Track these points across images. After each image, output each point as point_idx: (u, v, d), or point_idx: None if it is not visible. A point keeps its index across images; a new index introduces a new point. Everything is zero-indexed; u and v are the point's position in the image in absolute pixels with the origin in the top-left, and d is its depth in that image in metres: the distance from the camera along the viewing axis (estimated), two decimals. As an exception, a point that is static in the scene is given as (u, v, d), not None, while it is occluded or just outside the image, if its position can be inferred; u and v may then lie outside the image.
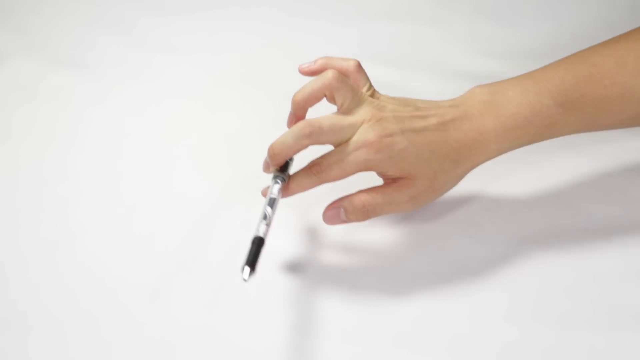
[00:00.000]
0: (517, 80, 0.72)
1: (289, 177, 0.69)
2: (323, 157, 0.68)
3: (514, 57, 0.99)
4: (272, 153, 0.69)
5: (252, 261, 0.62)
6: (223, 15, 1.09)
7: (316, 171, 0.68)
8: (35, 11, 1.10)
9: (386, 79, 0.96)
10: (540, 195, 0.78)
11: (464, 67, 0.98)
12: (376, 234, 0.74)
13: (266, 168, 0.71)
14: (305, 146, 0.68)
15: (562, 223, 0.75)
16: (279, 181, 0.69)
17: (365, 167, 0.68)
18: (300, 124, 0.68)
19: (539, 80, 0.72)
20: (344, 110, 0.69)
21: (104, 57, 1.01)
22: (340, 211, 0.69)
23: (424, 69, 0.98)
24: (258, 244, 0.63)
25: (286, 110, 0.93)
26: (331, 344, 0.65)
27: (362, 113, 0.69)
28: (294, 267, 0.71)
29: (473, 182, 0.79)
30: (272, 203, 0.67)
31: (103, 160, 0.84)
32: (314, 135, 0.67)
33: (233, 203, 0.78)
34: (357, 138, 0.67)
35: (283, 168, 0.70)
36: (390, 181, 0.70)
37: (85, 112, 0.92)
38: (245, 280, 0.61)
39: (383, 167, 0.68)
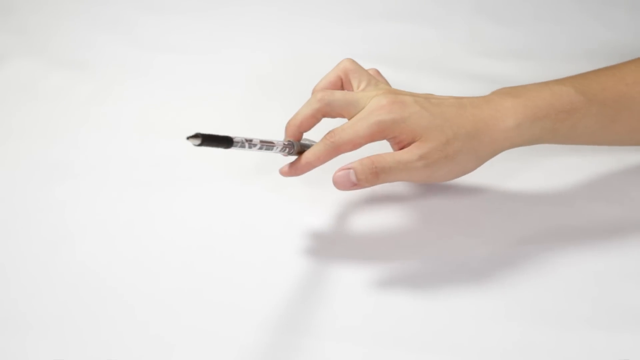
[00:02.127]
0: (537, 82, 0.73)
1: (304, 151, 0.70)
2: (337, 127, 0.69)
3: (514, 57, 0.99)
4: (288, 125, 0.71)
5: (208, 137, 0.61)
6: (223, 15, 1.09)
7: (330, 136, 0.68)
8: (35, 11, 1.10)
9: (386, 79, 0.96)
10: (540, 195, 0.78)
11: (464, 67, 0.98)
12: (376, 234, 0.74)
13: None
14: (319, 114, 0.69)
15: (562, 223, 0.75)
16: (287, 142, 0.70)
17: (378, 129, 0.67)
18: (315, 92, 0.70)
19: (560, 79, 0.73)
20: (359, 90, 0.70)
21: (104, 57, 1.01)
22: (349, 172, 0.68)
23: (424, 69, 0.98)
24: (227, 140, 0.64)
25: (287, 108, 0.94)
26: (331, 344, 0.65)
27: (377, 90, 0.70)
28: (295, 268, 0.71)
29: (473, 182, 0.79)
30: (268, 143, 0.68)
31: (103, 159, 0.84)
32: (326, 99, 0.69)
33: (234, 203, 0.78)
34: (370, 104, 0.68)
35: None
36: (402, 148, 0.69)
37: (85, 112, 0.92)
38: (187, 138, 0.60)
39: (395, 129, 0.67)
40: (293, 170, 0.70)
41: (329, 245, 0.73)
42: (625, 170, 0.81)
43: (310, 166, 0.69)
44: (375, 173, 0.68)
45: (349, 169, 0.68)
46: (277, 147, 0.69)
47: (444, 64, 0.99)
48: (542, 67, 0.98)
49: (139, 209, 0.78)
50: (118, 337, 0.65)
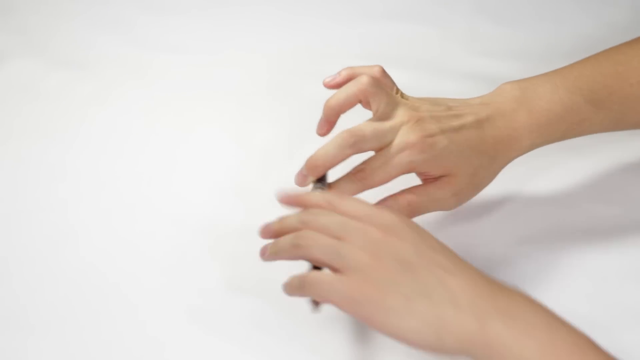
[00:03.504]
0: (546, 77, 0.73)
1: (329, 185, 0.68)
2: (366, 162, 0.68)
3: (514, 57, 0.99)
4: (313, 165, 0.68)
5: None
6: (223, 15, 1.09)
7: (361, 177, 0.67)
8: (35, 11, 1.10)
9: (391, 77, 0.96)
10: (540, 195, 0.78)
11: (464, 67, 0.98)
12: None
13: (302, 180, 0.69)
14: (349, 156, 0.67)
15: (562, 223, 0.75)
16: (319, 191, 0.67)
17: (409, 168, 0.68)
18: (343, 134, 0.67)
19: (568, 77, 0.73)
20: (380, 115, 0.68)
21: (104, 57, 1.01)
22: None
23: (423, 68, 0.98)
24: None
25: (287, 108, 0.94)
26: (332, 344, 0.65)
27: (400, 115, 0.68)
28: (295, 269, 0.71)
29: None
30: None
31: (103, 159, 0.84)
32: (358, 144, 0.67)
33: (235, 203, 0.78)
34: (399, 141, 0.67)
35: (321, 178, 0.69)
36: (431, 180, 0.70)
37: (85, 112, 0.92)
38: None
39: (426, 167, 0.68)
40: (325, 200, 0.66)
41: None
42: (625, 170, 0.81)
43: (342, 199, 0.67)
44: (411, 211, 0.69)
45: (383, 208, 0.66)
46: None
47: (443, 63, 0.99)
48: (542, 67, 0.97)
49: (140, 209, 0.78)
50: (119, 336, 0.65)
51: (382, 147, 0.67)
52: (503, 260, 0.71)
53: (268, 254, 0.64)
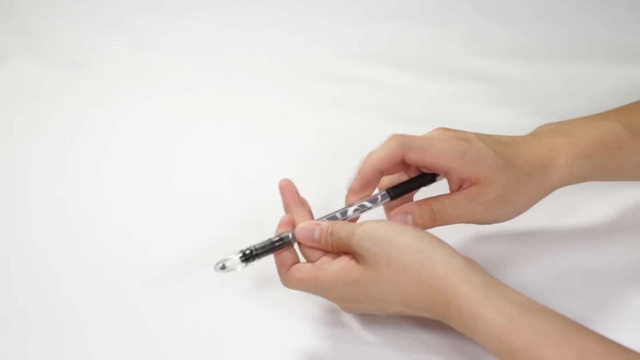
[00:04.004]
0: (582, 117, 0.72)
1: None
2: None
3: (514, 57, 0.99)
4: (367, 167, 0.66)
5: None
6: (223, 15, 1.09)
7: (400, 138, 0.65)
8: (35, 11, 1.10)
9: (386, 79, 0.96)
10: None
11: (464, 67, 0.98)
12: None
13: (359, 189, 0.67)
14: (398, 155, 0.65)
15: (562, 223, 0.75)
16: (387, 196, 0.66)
17: (448, 157, 0.65)
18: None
19: (604, 113, 0.72)
20: None
21: (104, 57, 1.01)
22: (407, 216, 0.66)
23: (424, 69, 0.98)
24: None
25: (287, 109, 0.94)
26: (333, 344, 0.65)
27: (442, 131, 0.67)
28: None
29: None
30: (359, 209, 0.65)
31: (103, 159, 0.84)
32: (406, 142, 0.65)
33: (234, 202, 0.78)
34: (435, 134, 0.66)
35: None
36: (458, 187, 0.67)
37: (85, 112, 0.92)
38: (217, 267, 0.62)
39: (462, 165, 0.65)
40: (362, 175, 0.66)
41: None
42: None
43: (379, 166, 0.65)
44: (433, 220, 0.66)
45: (407, 212, 0.66)
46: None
47: (443, 63, 0.99)
48: (542, 67, 0.98)
49: (140, 209, 0.78)
50: (120, 335, 0.65)
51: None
52: (503, 260, 0.71)
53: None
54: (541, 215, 0.76)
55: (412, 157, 0.65)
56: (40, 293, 0.69)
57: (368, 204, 0.66)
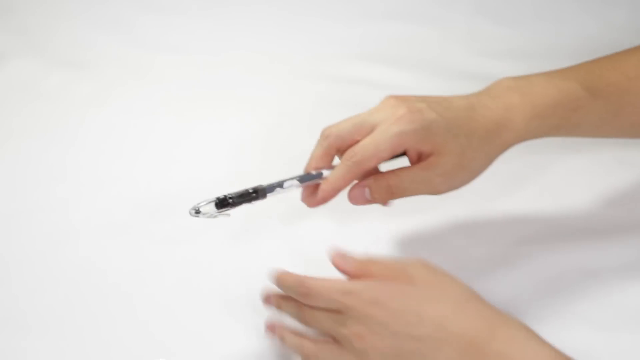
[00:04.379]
0: (542, 72, 0.72)
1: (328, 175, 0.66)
2: (357, 144, 0.65)
3: (514, 57, 0.99)
4: (305, 170, 0.67)
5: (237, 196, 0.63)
6: (223, 15, 1.09)
7: (349, 156, 0.64)
8: (35, 11, 1.10)
9: (386, 79, 0.96)
10: (540, 196, 0.78)
11: (464, 67, 0.98)
12: (377, 235, 0.74)
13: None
14: (331, 148, 0.65)
15: (562, 223, 0.75)
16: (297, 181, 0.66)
17: (399, 141, 0.64)
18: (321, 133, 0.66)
19: (564, 70, 0.72)
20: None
21: (104, 57, 1.01)
22: (365, 190, 0.66)
23: (424, 69, 0.98)
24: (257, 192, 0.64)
25: (287, 108, 0.94)
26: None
27: (386, 101, 0.66)
28: (296, 268, 0.71)
29: (473, 183, 0.79)
30: (283, 183, 0.65)
31: (103, 159, 0.84)
32: (333, 132, 0.65)
33: (239, 209, 0.78)
34: (386, 115, 0.64)
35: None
36: (417, 160, 0.67)
37: (85, 112, 0.92)
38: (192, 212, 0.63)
39: (416, 140, 0.64)
40: (320, 199, 0.66)
41: (329, 246, 0.73)
42: (626, 171, 0.81)
43: (336, 191, 0.65)
44: (389, 191, 0.66)
45: (364, 187, 0.66)
46: (291, 185, 0.66)
47: (443, 63, 0.99)
48: (542, 67, 0.97)
49: (139, 210, 0.78)
50: (119, 335, 0.65)
51: (368, 133, 0.65)
52: (503, 260, 0.71)
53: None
54: (541, 215, 0.76)
55: (371, 163, 0.65)
56: (39, 293, 0.69)
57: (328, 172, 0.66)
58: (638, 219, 0.75)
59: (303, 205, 0.67)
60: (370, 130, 0.64)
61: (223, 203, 0.63)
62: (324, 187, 0.65)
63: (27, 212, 0.78)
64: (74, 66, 0.99)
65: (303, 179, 0.65)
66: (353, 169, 0.64)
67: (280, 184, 0.65)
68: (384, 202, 0.66)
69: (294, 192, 0.65)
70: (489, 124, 0.67)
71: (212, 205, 0.63)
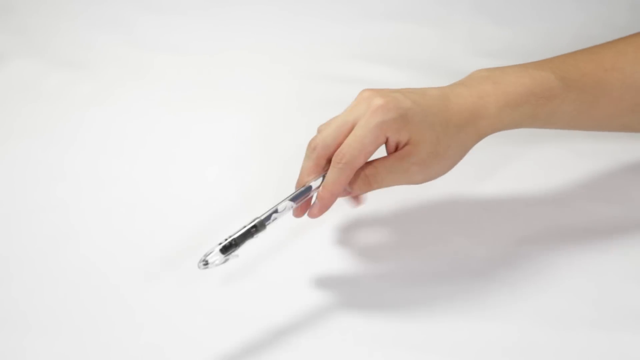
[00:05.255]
0: (517, 64, 0.72)
1: (323, 181, 0.66)
2: (342, 145, 0.65)
3: (514, 57, 0.98)
4: (297, 185, 0.67)
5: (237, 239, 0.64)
6: (223, 15, 1.09)
7: (338, 159, 0.65)
8: (35, 11, 1.10)
9: (386, 79, 0.96)
10: (540, 195, 0.78)
11: (464, 67, 0.97)
12: (376, 234, 0.74)
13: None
14: (321, 159, 0.66)
15: (562, 223, 0.75)
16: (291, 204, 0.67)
17: (381, 132, 0.64)
18: (310, 148, 0.67)
19: (539, 61, 0.72)
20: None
21: (104, 57, 1.01)
22: None
23: (424, 69, 0.98)
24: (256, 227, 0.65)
25: (287, 109, 0.94)
26: (332, 344, 0.65)
27: (360, 96, 0.67)
28: (296, 270, 0.71)
29: (473, 182, 0.79)
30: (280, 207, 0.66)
31: (103, 159, 0.84)
32: (319, 143, 0.66)
33: (233, 203, 0.78)
34: (364, 109, 0.65)
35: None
36: (393, 149, 0.67)
37: (85, 112, 0.92)
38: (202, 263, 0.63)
39: (396, 128, 0.65)
40: (320, 206, 0.66)
41: (329, 246, 0.73)
42: (625, 170, 0.81)
43: (334, 196, 0.66)
44: (368, 183, 0.66)
45: None
46: (287, 208, 0.66)
47: (443, 63, 0.99)
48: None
49: (139, 210, 0.78)
50: (118, 336, 0.65)
51: (351, 130, 0.66)
52: (503, 260, 0.71)
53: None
54: (541, 215, 0.76)
55: (361, 161, 0.65)
56: (39, 292, 0.69)
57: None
58: (638, 219, 0.75)
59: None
60: (352, 127, 0.65)
61: (227, 248, 0.64)
62: (322, 194, 0.65)
63: (27, 212, 0.78)
64: (74, 66, 0.99)
65: (295, 197, 0.66)
66: (344, 170, 0.65)
67: (275, 210, 0.65)
68: (362, 193, 0.67)
69: (290, 213, 0.66)
70: (463, 112, 0.68)
71: (218, 253, 0.64)
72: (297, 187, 0.67)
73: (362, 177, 0.66)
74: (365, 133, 0.64)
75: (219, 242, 0.64)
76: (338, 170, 0.65)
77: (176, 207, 0.78)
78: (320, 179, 0.66)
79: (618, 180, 0.80)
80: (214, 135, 0.88)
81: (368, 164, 0.66)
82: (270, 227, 0.65)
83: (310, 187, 0.66)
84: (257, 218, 0.65)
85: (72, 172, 0.83)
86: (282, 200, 0.66)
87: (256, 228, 0.65)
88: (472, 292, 0.68)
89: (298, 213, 0.67)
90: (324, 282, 0.70)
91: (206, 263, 0.64)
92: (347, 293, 0.69)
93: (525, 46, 1.02)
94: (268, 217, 0.65)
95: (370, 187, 0.66)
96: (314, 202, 0.66)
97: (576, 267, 0.70)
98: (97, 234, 0.75)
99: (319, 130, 0.68)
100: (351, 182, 0.66)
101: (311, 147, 0.67)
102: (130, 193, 0.80)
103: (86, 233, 0.75)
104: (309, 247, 0.73)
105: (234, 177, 0.82)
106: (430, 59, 1.00)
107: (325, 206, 0.66)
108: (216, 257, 0.64)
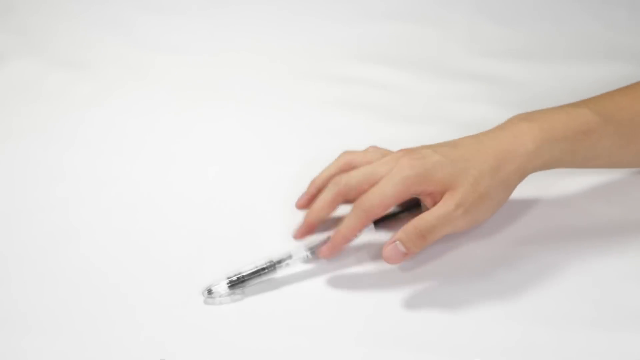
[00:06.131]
0: (551, 107, 0.73)
1: (339, 226, 0.69)
2: (365, 194, 0.68)
3: (514, 57, 0.99)
4: (309, 212, 0.71)
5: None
6: (223, 15, 1.09)
7: (358, 205, 0.68)
8: (35, 11, 1.10)
9: (386, 79, 0.96)
10: (540, 195, 0.78)
11: (464, 67, 0.98)
12: (377, 236, 0.74)
13: (301, 235, 0.72)
14: (339, 196, 0.70)
15: (562, 223, 0.75)
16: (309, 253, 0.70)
17: (404, 186, 0.67)
18: (330, 186, 0.70)
19: (574, 102, 0.73)
20: (369, 159, 0.72)
21: (104, 57, 1.01)
22: (397, 245, 0.67)
23: (424, 69, 0.98)
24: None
25: (287, 109, 0.94)
26: (332, 344, 0.65)
27: (391, 154, 0.70)
28: (295, 271, 0.71)
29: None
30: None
31: (103, 159, 0.84)
32: (343, 181, 0.69)
33: (233, 203, 0.78)
34: (392, 165, 0.68)
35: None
36: (435, 203, 0.69)
37: (85, 112, 0.92)
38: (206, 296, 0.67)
39: (421, 183, 0.67)
40: (332, 249, 0.69)
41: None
42: (625, 170, 0.80)
43: (347, 240, 0.69)
44: (421, 236, 0.68)
45: (395, 241, 0.67)
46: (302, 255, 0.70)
47: (443, 63, 0.99)
48: (542, 67, 0.98)
49: (139, 210, 0.78)
50: (118, 336, 0.65)
51: (372, 185, 0.69)
52: (503, 260, 0.71)
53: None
54: (541, 215, 0.76)
55: (379, 211, 0.69)
56: (39, 292, 0.69)
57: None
58: (638, 219, 0.75)
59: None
60: (378, 180, 0.68)
61: (235, 283, 0.67)
62: (336, 236, 0.69)
63: (27, 212, 0.78)
64: (74, 66, 0.99)
65: (313, 248, 0.70)
66: (362, 216, 0.68)
67: (289, 256, 0.69)
68: (418, 250, 0.68)
69: (304, 268, 0.70)
70: (498, 153, 0.69)
71: (225, 286, 0.67)
72: (309, 213, 0.71)
73: (415, 233, 0.68)
74: (387, 187, 0.67)
75: (227, 275, 0.67)
76: (356, 216, 0.68)
77: (176, 207, 0.78)
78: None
79: (618, 180, 0.80)
80: (214, 135, 0.88)
81: (415, 218, 0.68)
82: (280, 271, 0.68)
83: (328, 239, 0.69)
84: (270, 260, 0.68)
85: (72, 172, 0.83)
86: (298, 248, 0.69)
87: (267, 270, 0.68)
88: (472, 292, 0.68)
89: (301, 235, 0.72)
90: (324, 282, 0.70)
91: (210, 292, 0.67)
92: (347, 293, 0.69)
93: (525, 46, 1.02)
94: (280, 262, 0.68)
95: (425, 241, 0.68)
96: (328, 242, 0.69)
97: (576, 267, 0.70)
98: (97, 234, 0.75)
99: (346, 165, 0.72)
100: (405, 242, 0.67)
101: (335, 182, 0.70)
102: (130, 193, 0.80)
103: (86, 233, 0.75)
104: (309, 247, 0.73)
105: (234, 177, 0.82)
106: (430, 59, 1.00)
107: (335, 248, 0.69)
108: (222, 289, 0.67)
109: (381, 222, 0.72)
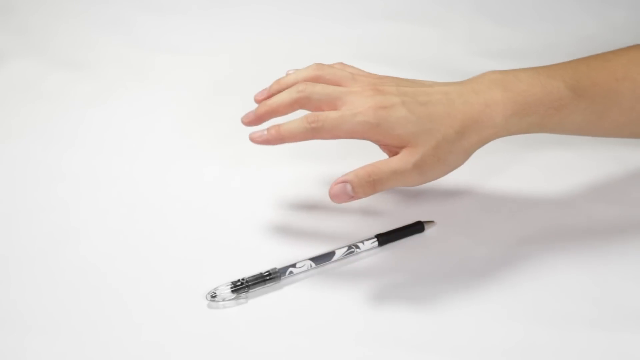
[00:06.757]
0: (530, 68, 0.72)
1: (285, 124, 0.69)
2: (323, 113, 0.68)
3: (514, 57, 0.99)
4: (261, 104, 0.71)
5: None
6: (223, 15, 1.09)
7: (311, 120, 0.67)
8: (35, 11, 1.10)
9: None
10: (540, 195, 0.78)
11: (464, 67, 0.98)
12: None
13: (250, 120, 0.72)
14: (296, 103, 0.69)
15: (562, 223, 0.75)
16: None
17: (361, 130, 0.67)
18: (297, 84, 0.70)
19: (552, 67, 0.72)
20: (337, 82, 0.71)
21: (104, 57, 1.01)
22: (346, 186, 0.67)
23: (424, 69, 0.98)
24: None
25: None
26: (332, 344, 0.65)
27: (358, 85, 0.69)
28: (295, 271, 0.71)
29: (473, 182, 0.79)
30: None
31: (103, 159, 0.84)
32: (307, 91, 0.69)
33: (234, 203, 0.78)
34: (356, 101, 0.68)
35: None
36: (393, 153, 0.69)
37: (85, 112, 0.92)
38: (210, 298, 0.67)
39: (379, 134, 0.67)
40: (266, 139, 0.69)
41: (329, 246, 0.73)
42: (625, 170, 0.81)
43: (282, 141, 0.69)
44: (372, 184, 0.67)
45: (345, 181, 0.67)
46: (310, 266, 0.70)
47: (443, 63, 0.99)
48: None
49: (139, 211, 0.78)
50: (118, 336, 0.65)
51: (332, 109, 0.68)
52: (503, 260, 0.71)
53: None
54: (541, 215, 0.76)
55: (326, 136, 0.68)
56: (38, 292, 0.69)
57: (356, 248, 0.71)
58: (638, 219, 0.75)
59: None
60: (339, 107, 0.68)
61: (238, 287, 0.68)
62: (273, 128, 0.69)
63: (26, 212, 0.78)
64: (74, 66, 0.99)
65: (316, 259, 0.70)
66: (308, 133, 0.68)
67: (293, 265, 0.69)
68: (366, 196, 0.68)
69: (307, 274, 0.70)
70: (467, 119, 0.68)
71: (228, 289, 0.68)
72: (260, 106, 0.71)
73: (365, 179, 0.67)
74: (345, 122, 0.67)
75: (231, 280, 0.67)
76: (304, 128, 0.68)
77: (176, 207, 0.78)
78: (345, 248, 0.70)
79: (618, 181, 0.80)
80: (214, 135, 0.88)
81: (370, 164, 0.67)
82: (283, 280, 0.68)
83: (333, 253, 0.70)
84: (274, 269, 0.68)
85: (72, 172, 0.83)
86: (303, 259, 0.69)
87: (270, 277, 0.68)
88: (472, 292, 0.68)
89: (248, 121, 0.72)
90: (324, 282, 0.70)
91: (214, 295, 0.67)
92: (347, 293, 0.69)
93: (525, 46, 1.02)
94: (284, 270, 0.68)
95: (374, 189, 0.67)
96: (267, 130, 0.69)
97: (576, 267, 0.70)
98: (97, 234, 0.75)
99: (315, 77, 0.71)
100: (355, 185, 0.67)
101: (298, 89, 0.69)
102: (130, 193, 0.80)
103: (85, 233, 0.75)
104: (307, 248, 0.73)
105: (233, 177, 0.82)
106: (430, 59, 1.00)
107: (271, 142, 0.69)
108: (225, 293, 0.67)
109: (385, 240, 0.72)
